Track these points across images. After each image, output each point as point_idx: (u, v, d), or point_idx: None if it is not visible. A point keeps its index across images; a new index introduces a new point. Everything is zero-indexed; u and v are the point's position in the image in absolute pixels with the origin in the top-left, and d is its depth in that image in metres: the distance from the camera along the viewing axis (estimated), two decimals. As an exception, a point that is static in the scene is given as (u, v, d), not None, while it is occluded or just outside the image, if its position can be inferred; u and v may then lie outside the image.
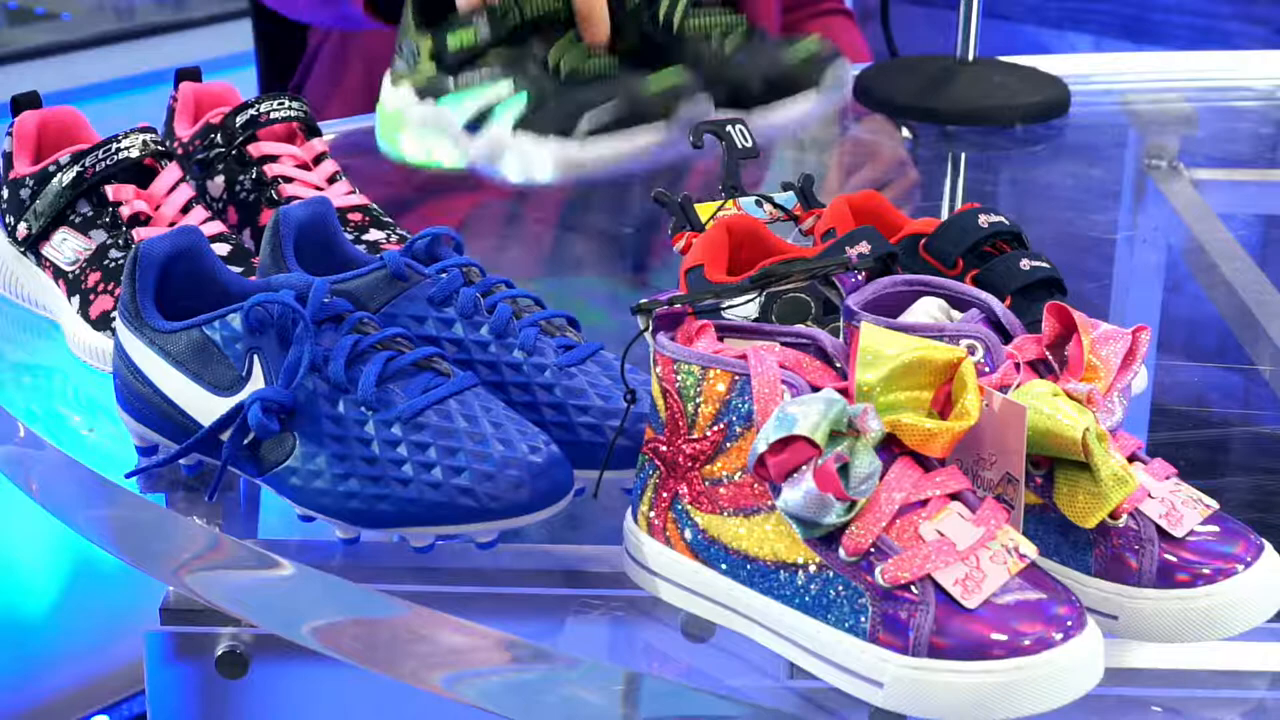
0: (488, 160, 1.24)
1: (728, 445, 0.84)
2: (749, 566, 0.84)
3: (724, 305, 0.94)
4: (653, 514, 0.88)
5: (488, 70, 1.26)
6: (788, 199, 1.22)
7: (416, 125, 1.27)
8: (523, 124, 1.23)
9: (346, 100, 1.87)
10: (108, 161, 1.14)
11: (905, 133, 1.70)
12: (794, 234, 1.18)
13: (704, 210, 1.19)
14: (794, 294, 1.00)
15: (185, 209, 1.15)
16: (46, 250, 1.15)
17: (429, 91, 1.28)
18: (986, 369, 0.87)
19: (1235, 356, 1.28)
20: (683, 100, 1.21)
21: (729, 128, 1.29)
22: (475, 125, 1.24)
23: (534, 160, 1.22)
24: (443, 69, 1.27)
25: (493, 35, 1.26)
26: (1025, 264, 1.07)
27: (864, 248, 1.05)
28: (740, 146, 1.28)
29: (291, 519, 0.93)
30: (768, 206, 1.21)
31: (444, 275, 0.99)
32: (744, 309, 0.98)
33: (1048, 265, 1.08)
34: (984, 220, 1.10)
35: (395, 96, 1.30)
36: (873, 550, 0.80)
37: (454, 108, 1.26)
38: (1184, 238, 1.47)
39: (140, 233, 1.12)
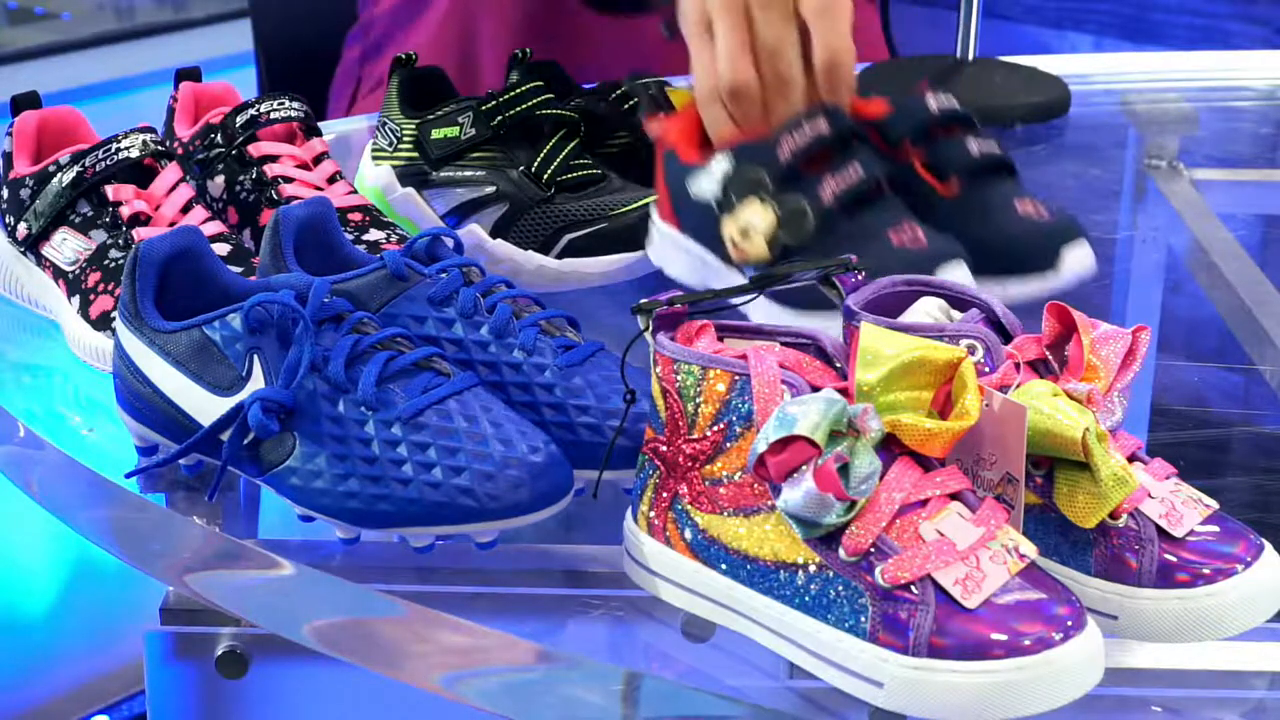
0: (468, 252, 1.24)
1: (728, 445, 0.84)
2: (749, 566, 0.84)
3: (724, 306, 0.94)
4: (653, 514, 0.88)
5: (470, 170, 1.25)
6: None
7: (397, 211, 1.27)
8: (502, 232, 1.23)
9: None
10: (108, 161, 1.14)
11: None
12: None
13: (677, 97, 1.19)
14: (749, 167, 1.02)
15: (185, 209, 1.15)
16: (46, 250, 1.15)
17: (409, 178, 1.27)
18: (986, 369, 0.87)
19: (1235, 356, 1.28)
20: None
21: None
22: (454, 221, 1.24)
23: (510, 269, 1.21)
24: (424, 159, 1.26)
25: (478, 134, 1.25)
26: (974, 147, 1.05)
27: (821, 124, 1.03)
28: None
29: (291, 519, 0.93)
30: None
31: (444, 275, 0.99)
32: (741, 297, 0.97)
33: (998, 151, 1.05)
34: (934, 104, 1.08)
35: (376, 174, 1.29)
36: (873, 550, 0.80)
37: (434, 201, 1.26)
38: (1184, 238, 1.47)
39: (140, 233, 1.12)
